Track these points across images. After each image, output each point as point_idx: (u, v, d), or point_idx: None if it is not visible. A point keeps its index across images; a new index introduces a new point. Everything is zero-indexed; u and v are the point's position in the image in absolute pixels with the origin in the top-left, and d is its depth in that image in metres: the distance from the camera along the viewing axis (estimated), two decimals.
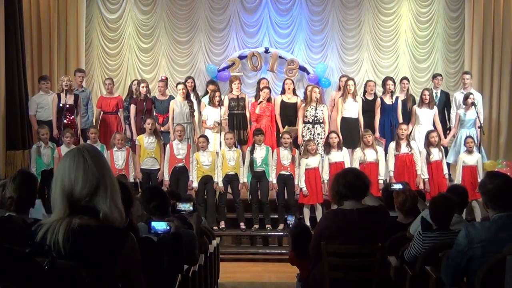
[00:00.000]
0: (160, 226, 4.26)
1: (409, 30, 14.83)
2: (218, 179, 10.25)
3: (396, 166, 10.46)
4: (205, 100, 11.75)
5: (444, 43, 14.70)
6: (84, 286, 2.40)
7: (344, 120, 11.29)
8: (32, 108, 11.60)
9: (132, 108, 11.32)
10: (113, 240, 2.57)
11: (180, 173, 10.35)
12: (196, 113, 11.44)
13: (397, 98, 11.57)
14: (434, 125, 11.35)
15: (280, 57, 14.59)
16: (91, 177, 2.60)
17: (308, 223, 9.90)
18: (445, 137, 11.45)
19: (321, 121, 11.07)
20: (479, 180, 10.14)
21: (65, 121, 10.97)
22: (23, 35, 11.64)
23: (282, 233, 10.25)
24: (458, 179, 10.23)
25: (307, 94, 11.34)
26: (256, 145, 10.34)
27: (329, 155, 10.34)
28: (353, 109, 11.33)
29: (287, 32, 14.94)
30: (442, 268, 4.25)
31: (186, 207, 5.64)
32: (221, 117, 10.99)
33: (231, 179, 10.30)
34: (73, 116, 11.23)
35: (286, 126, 11.26)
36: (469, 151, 10.38)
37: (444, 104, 12.01)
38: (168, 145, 10.56)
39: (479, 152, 10.86)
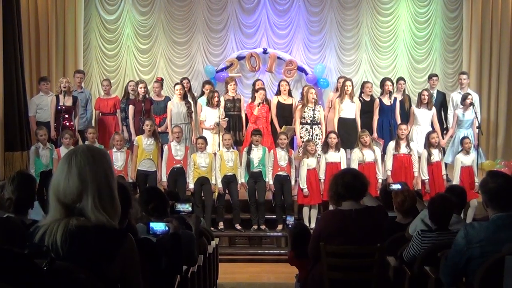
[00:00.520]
0: (158, 227, 4.26)
1: (407, 31, 14.84)
2: (217, 180, 10.25)
3: (394, 166, 10.46)
4: (201, 101, 11.75)
5: (442, 43, 14.71)
6: (83, 287, 2.40)
7: (342, 121, 11.29)
8: (32, 109, 11.63)
9: (131, 109, 11.32)
10: (111, 241, 2.57)
11: (178, 174, 10.33)
12: (193, 114, 11.44)
13: (395, 98, 11.57)
14: (432, 125, 11.35)
15: (278, 57, 14.59)
16: (72, 184, 2.58)
17: (307, 223, 9.92)
18: (442, 137, 11.44)
19: (318, 121, 11.08)
20: (476, 179, 10.18)
21: (63, 122, 10.96)
22: (21, 36, 11.63)
23: (280, 234, 10.25)
24: (456, 180, 10.22)
25: (303, 95, 11.36)
26: (253, 145, 10.34)
27: (326, 154, 10.34)
28: (350, 109, 11.33)
29: (285, 33, 14.94)
30: (441, 268, 4.25)
31: (185, 207, 5.63)
32: (219, 118, 10.98)
33: (229, 180, 10.30)
34: (71, 118, 11.22)
35: (284, 126, 11.26)
36: (467, 152, 10.38)
37: (441, 104, 12.02)
38: (166, 146, 10.55)
39: (477, 153, 10.88)
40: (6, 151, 11.18)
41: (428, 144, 10.40)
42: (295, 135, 11.24)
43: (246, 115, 11.60)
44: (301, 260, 5.66)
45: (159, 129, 11.29)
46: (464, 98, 11.37)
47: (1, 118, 11.14)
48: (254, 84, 12.10)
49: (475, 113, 11.29)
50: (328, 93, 13.46)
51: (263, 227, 10.35)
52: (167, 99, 11.77)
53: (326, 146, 10.39)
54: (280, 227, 10.28)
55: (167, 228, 4.26)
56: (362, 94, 11.71)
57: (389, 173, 10.43)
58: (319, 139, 10.94)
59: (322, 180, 10.19)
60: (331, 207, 6.37)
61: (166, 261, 4.06)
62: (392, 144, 10.55)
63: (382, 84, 11.77)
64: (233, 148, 10.69)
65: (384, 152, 10.73)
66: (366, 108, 11.48)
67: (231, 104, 11.59)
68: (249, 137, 10.87)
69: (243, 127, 11.60)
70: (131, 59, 14.92)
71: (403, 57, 14.84)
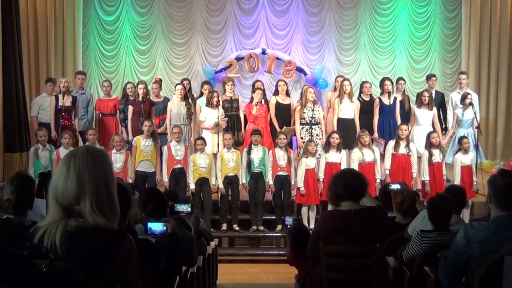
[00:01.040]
0: (156, 227, 4.24)
1: (406, 31, 14.87)
2: (218, 180, 10.25)
3: (392, 166, 10.46)
4: (200, 101, 11.75)
5: (441, 43, 14.74)
6: None
7: (341, 121, 11.28)
8: (34, 110, 11.69)
9: (130, 109, 11.32)
10: (110, 241, 2.56)
11: (179, 175, 10.33)
12: (192, 116, 11.44)
13: (395, 98, 11.57)
14: (433, 126, 11.35)
15: (277, 58, 14.61)
16: (70, 187, 2.58)
17: (306, 223, 9.92)
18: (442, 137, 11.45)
19: (318, 121, 11.08)
20: (474, 179, 10.19)
21: (62, 122, 10.95)
22: (20, 37, 11.62)
23: (280, 234, 10.24)
24: (457, 180, 10.22)
25: (302, 95, 11.37)
26: (253, 145, 10.33)
27: (327, 154, 10.34)
28: (349, 109, 11.32)
29: (284, 33, 14.96)
30: (440, 268, 4.25)
31: (184, 208, 5.62)
32: (218, 118, 10.98)
33: (231, 181, 10.30)
34: (71, 118, 11.22)
35: (284, 127, 11.26)
36: (466, 151, 10.38)
37: (439, 104, 12.02)
38: (165, 147, 10.54)
39: (477, 152, 10.88)
40: (5, 152, 11.17)
41: (429, 144, 10.39)
42: (295, 135, 11.24)
43: (244, 115, 11.59)
44: (300, 260, 5.66)
45: (159, 130, 11.29)
46: (464, 97, 11.38)
47: (0, 119, 11.13)
48: (253, 85, 12.11)
49: (474, 113, 11.29)
50: (327, 93, 13.46)
51: (261, 227, 10.35)
52: (166, 100, 11.78)
53: (327, 146, 10.39)
54: (279, 227, 10.27)
55: (165, 228, 4.25)
56: (362, 94, 11.72)
57: (387, 172, 10.43)
58: (319, 139, 10.94)
59: (321, 180, 10.19)
60: (330, 208, 6.37)
61: (165, 261, 4.05)
62: (391, 143, 10.55)
63: (382, 84, 11.77)
64: (234, 148, 10.67)
65: (385, 152, 10.73)
66: (366, 108, 11.48)
67: (229, 104, 11.59)
68: (249, 138, 10.87)
69: (241, 127, 11.59)
70: (130, 60, 14.94)
71: (402, 57, 14.86)
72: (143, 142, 10.37)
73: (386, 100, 11.45)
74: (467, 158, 10.37)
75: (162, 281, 4.03)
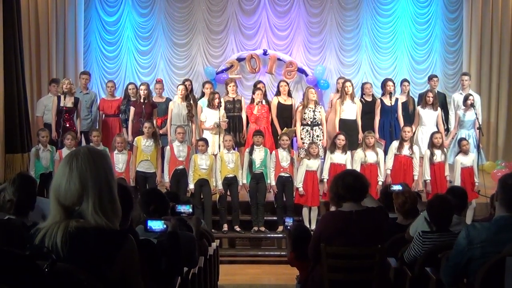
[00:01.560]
0: (156, 225, 4.22)
1: (407, 32, 14.86)
2: (217, 181, 10.25)
3: (393, 166, 10.47)
4: (201, 102, 11.75)
5: (443, 44, 14.73)
6: None
7: (343, 122, 11.30)
8: (40, 110, 11.78)
9: (131, 110, 11.32)
10: (111, 242, 2.56)
11: (181, 176, 10.33)
12: (193, 118, 11.43)
13: (396, 99, 11.59)
14: (437, 126, 11.35)
15: (278, 59, 14.61)
16: (73, 187, 2.57)
17: (307, 224, 9.91)
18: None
19: (319, 122, 11.08)
20: (476, 180, 10.18)
21: (64, 123, 10.96)
22: (21, 38, 11.61)
23: (281, 235, 10.23)
24: (457, 181, 10.21)
25: (304, 96, 11.39)
26: (255, 146, 10.34)
27: (332, 154, 10.35)
28: (351, 110, 11.34)
29: (285, 34, 14.96)
30: (442, 269, 4.25)
31: (185, 209, 5.62)
32: (219, 119, 10.98)
33: (230, 182, 10.30)
34: (72, 119, 11.22)
35: (285, 128, 11.27)
36: (465, 153, 10.38)
37: (441, 105, 12.01)
38: (168, 147, 10.54)
39: (478, 153, 10.87)
40: (6, 153, 11.17)
41: (431, 144, 10.40)
42: (296, 136, 11.25)
43: (246, 116, 11.60)
44: (301, 261, 5.66)
45: (161, 131, 11.29)
46: (466, 99, 11.38)
47: (1, 120, 11.13)
48: (254, 85, 12.12)
49: (476, 114, 11.29)
50: (329, 95, 13.47)
51: (262, 228, 10.35)
52: (169, 100, 11.79)
53: (333, 147, 10.40)
54: (280, 228, 10.24)
55: (165, 226, 4.23)
56: (364, 95, 11.72)
57: (388, 172, 10.43)
58: (320, 140, 10.95)
59: (325, 180, 10.19)
60: (332, 209, 6.36)
61: (166, 261, 4.05)
62: (395, 143, 10.56)
63: (384, 84, 11.79)
64: (234, 150, 10.67)
65: (386, 153, 10.72)
66: (367, 109, 11.50)
67: (231, 105, 11.60)
68: (251, 138, 10.88)
69: (243, 128, 11.60)
70: (131, 61, 14.94)
71: (403, 58, 14.86)
72: (143, 142, 10.38)
73: (387, 101, 11.45)
74: (468, 160, 10.36)
75: (162, 281, 4.03)
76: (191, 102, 11.56)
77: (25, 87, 11.76)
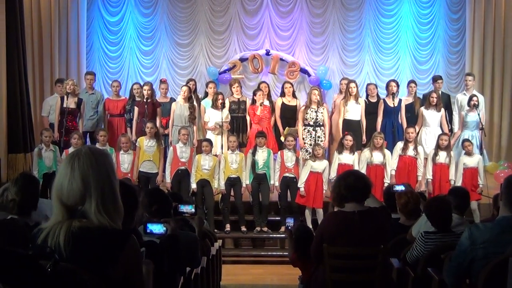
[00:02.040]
0: (156, 228, 4.21)
1: (410, 32, 14.85)
2: (220, 182, 10.25)
3: (398, 166, 10.46)
4: (204, 102, 11.76)
5: (445, 44, 14.72)
6: None
7: (346, 123, 11.30)
8: (45, 110, 11.83)
9: (136, 110, 11.35)
10: (113, 242, 2.56)
11: (182, 176, 10.34)
12: (198, 115, 11.42)
13: (400, 100, 11.59)
14: (441, 127, 11.35)
15: (281, 59, 14.60)
16: (75, 187, 2.57)
17: (310, 225, 9.90)
18: None
19: (321, 123, 11.08)
20: (479, 181, 10.16)
21: (66, 124, 10.97)
22: (24, 38, 11.63)
23: (284, 235, 10.23)
24: (459, 181, 10.21)
25: (308, 96, 11.40)
26: (258, 147, 10.34)
27: (340, 155, 10.35)
28: (355, 111, 11.35)
29: (288, 35, 14.96)
30: (445, 269, 4.24)
31: (188, 209, 5.62)
32: (222, 119, 10.97)
33: (233, 182, 10.30)
34: (74, 120, 11.23)
35: (287, 128, 11.27)
36: (468, 153, 10.37)
37: (445, 106, 12.00)
38: (171, 148, 10.55)
39: (481, 154, 10.86)
40: (9, 153, 11.19)
41: (437, 145, 10.39)
42: (297, 136, 11.25)
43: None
44: (304, 261, 5.66)
45: (166, 131, 11.29)
46: (470, 99, 11.39)
47: (4, 120, 11.15)
48: (258, 86, 12.16)
49: (478, 114, 11.28)
50: (332, 95, 13.47)
51: (265, 229, 10.35)
52: (173, 100, 11.79)
53: (341, 147, 10.41)
54: (283, 228, 10.25)
55: (164, 229, 4.22)
56: (368, 96, 11.74)
57: (393, 172, 10.42)
58: (321, 141, 10.93)
59: (332, 180, 10.17)
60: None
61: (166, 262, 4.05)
62: (400, 144, 10.57)
63: (387, 85, 11.79)
64: (238, 150, 10.67)
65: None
66: (371, 110, 11.50)
67: (236, 106, 11.62)
68: (252, 139, 10.87)
69: (247, 129, 11.60)
70: (133, 61, 14.96)
71: (406, 59, 14.85)
72: (146, 143, 10.39)
73: (390, 102, 11.45)
74: (471, 160, 10.35)
75: (164, 282, 4.03)
76: (194, 103, 11.52)
77: (28, 87, 11.78)
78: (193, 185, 10.24)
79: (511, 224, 3.83)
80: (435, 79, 12.43)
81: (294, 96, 11.96)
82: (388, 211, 5.16)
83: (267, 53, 14.61)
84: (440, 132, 10.98)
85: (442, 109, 11.44)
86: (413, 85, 12.05)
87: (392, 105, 11.42)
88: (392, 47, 14.90)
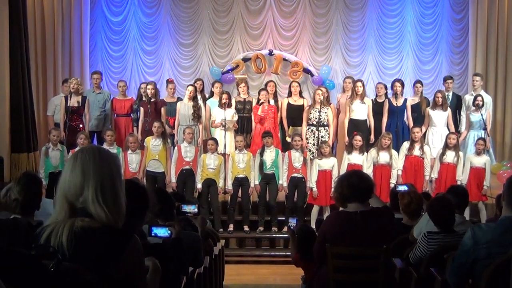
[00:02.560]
0: (161, 232, 4.21)
1: (413, 32, 14.83)
2: (227, 181, 10.25)
3: (404, 166, 10.45)
4: (210, 102, 11.77)
5: (448, 44, 14.70)
6: None
7: (352, 122, 11.30)
8: (51, 109, 11.88)
9: (141, 110, 11.37)
10: (116, 242, 2.57)
11: (187, 176, 10.35)
12: (203, 115, 11.41)
13: (405, 100, 11.59)
14: (447, 127, 11.33)
15: (284, 59, 14.59)
16: (75, 177, 2.59)
17: (313, 225, 9.88)
18: None
19: (325, 123, 11.06)
20: (485, 183, 10.13)
21: (70, 123, 10.99)
22: (27, 38, 11.65)
23: (288, 235, 10.23)
24: (465, 180, 10.20)
25: (312, 96, 11.42)
26: (265, 147, 10.33)
27: (349, 155, 10.35)
28: (361, 110, 11.35)
29: (291, 34, 14.95)
30: (448, 269, 4.24)
31: (191, 209, 5.62)
32: (225, 118, 10.98)
33: (241, 182, 10.30)
34: (80, 119, 11.24)
35: (291, 127, 11.28)
36: (478, 153, 10.35)
37: (456, 107, 11.99)
38: (176, 147, 10.56)
39: (487, 155, 10.83)
40: (12, 153, 11.21)
41: (445, 145, 10.39)
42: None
43: None
44: (306, 261, 5.66)
45: (173, 131, 11.30)
46: (474, 99, 11.38)
47: (8, 120, 11.17)
48: (265, 85, 12.19)
49: (481, 114, 11.27)
50: (335, 95, 13.46)
51: (275, 229, 10.36)
52: (179, 100, 11.78)
53: (350, 147, 10.40)
54: (286, 228, 10.27)
55: (169, 233, 4.22)
56: (376, 97, 11.77)
57: (400, 172, 10.42)
58: (326, 141, 10.91)
59: None
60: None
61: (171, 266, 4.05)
62: (406, 144, 10.57)
63: (391, 85, 11.79)
64: (246, 150, 10.66)
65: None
66: (377, 109, 11.52)
67: (241, 106, 11.64)
68: (256, 139, 10.88)
69: (251, 129, 11.60)
70: (136, 61, 14.95)
71: (409, 59, 14.83)
72: (152, 142, 10.41)
73: (394, 102, 11.44)
74: (479, 160, 10.33)
75: (167, 282, 4.03)
76: (198, 102, 11.47)
77: (31, 87, 11.81)
78: (199, 185, 10.26)
79: None
80: (445, 79, 12.42)
81: (301, 95, 11.95)
82: (391, 211, 5.14)
83: (270, 53, 14.60)
84: (447, 132, 10.97)
85: (449, 109, 11.43)
86: (419, 85, 12.02)
87: (395, 105, 11.41)
88: (395, 47, 14.88)
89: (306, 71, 14.59)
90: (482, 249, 3.84)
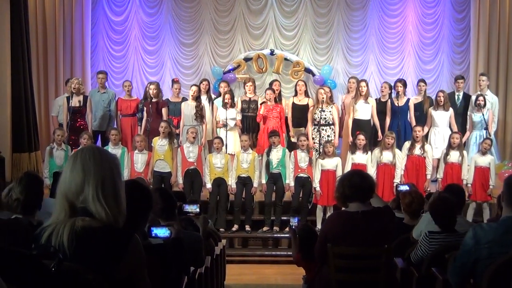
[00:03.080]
0: (160, 232, 4.20)
1: (414, 32, 14.81)
2: (232, 180, 10.27)
3: (406, 166, 10.46)
4: (217, 102, 11.78)
5: (450, 44, 14.68)
6: None
7: (356, 122, 11.30)
8: (54, 109, 11.89)
9: (145, 110, 11.37)
10: (117, 241, 2.57)
11: (193, 176, 10.37)
12: (208, 114, 11.40)
13: (408, 100, 11.59)
14: (450, 127, 11.33)
15: (285, 59, 14.59)
16: (76, 176, 2.59)
17: (319, 225, 9.86)
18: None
19: (330, 122, 11.06)
20: (490, 182, 10.12)
21: (71, 123, 11.01)
22: (28, 38, 11.66)
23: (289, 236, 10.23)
24: (470, 179, 10.20)
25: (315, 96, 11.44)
26: (272, 146, 10.33)
27: (353, 155, 10.35)
28: (364, 110, 11.35)
29: (292, 34, 14.94)
30: (449, 269, 4.24)
31: (192, 208, 5.62)
32: (226, 118, 10.98)
33: (244, 182, 10.31)
34: (81, 119, 11.24)
35: (292, 129, 11.30)
36: (483, 153, 10.34)
37: (465, 107, 11.97)
38: (179, 148, 10.56)
39: (491, 154, 10.82)
40: (13, 153, 11.22)
41: (448, 144, 10.38)
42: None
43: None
44: (308, 261, 5.65)
45: (177, 131, 11.30)
46: (476, 99, 11.38)
47: (9, 120, 11.18)
48: (271, 84, 12.17)
49: (483, 114, 11.26)
50: (337, 95, 13.46)
51: (276, 228, 10.36)
52: (184, 100, 11.77)
53: (354, 147, 10.40)
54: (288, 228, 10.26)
55: (169, 233, 4.21)
56: (381, 97, 11.78)
57: (402, 172, 10.42)
58: (331, 140, 10.90)
59: None
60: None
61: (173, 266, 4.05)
62: (407, 144, 10.57)
63: (394, 85, 11.79)
64: (251, 150, 10.66)
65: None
66: (381, 109, 11.54)
67: (246, 105, 11.63)
68: (261, 138, 10.89)
69: (259, 128, 11.61)
70: (138, 61, 14.95)
71: (410, 58, 14.81)
72: (158, 142, 10.44)
73: (395, 102, 11.44)
74: (484, 160, 10.32)
75: (169, 283, 4.03)
76: (202, 102, 11.46)
77: (33, 87, 11.82)
78: (208, 185, 10.28)
79: None
80: (456, 78, 12.43)
81: (306, 95, 11.96)
82: (392, 211, 5.14)
83: (272, 53, 14.60)
84: (449, 132, 10.96)
85: (451, 109, 11.42)
86: (422, 84, 12.01)
87: (397, 105, 11.40)
88: (396, 46, 14.86)
89: (308, 70, 14.58)
90: (483, 249, 3.84)
